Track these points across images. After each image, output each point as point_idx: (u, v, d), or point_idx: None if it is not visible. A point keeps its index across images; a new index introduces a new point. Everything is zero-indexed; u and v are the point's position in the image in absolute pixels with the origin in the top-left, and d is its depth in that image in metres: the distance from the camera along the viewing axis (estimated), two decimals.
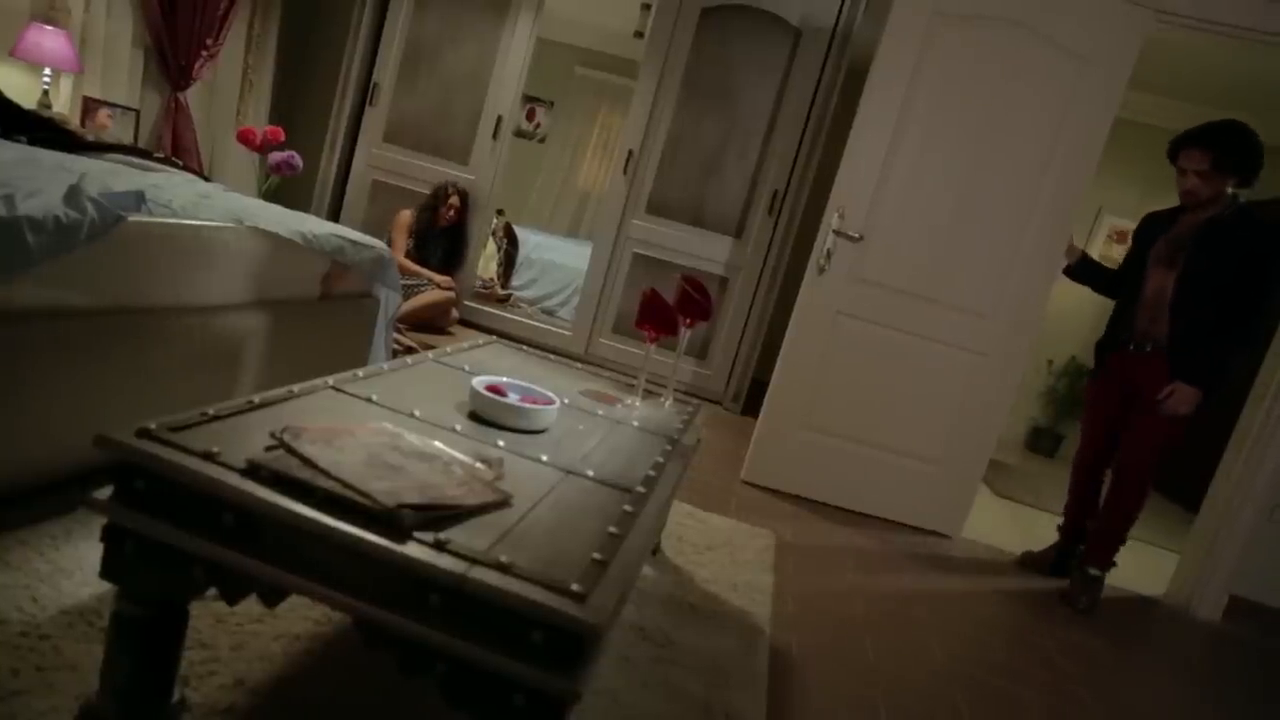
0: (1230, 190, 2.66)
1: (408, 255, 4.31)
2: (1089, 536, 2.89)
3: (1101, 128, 2.93)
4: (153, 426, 0.96)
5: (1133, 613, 2.95)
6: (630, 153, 4.32)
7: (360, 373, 1.46)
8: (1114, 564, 2.85)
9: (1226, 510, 2.98)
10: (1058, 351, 5.67)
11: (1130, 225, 5.57)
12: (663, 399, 2.00)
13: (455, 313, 4.45)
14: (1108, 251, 5.66)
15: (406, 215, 4.40)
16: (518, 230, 5.82)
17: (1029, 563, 3.08)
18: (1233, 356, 2.62)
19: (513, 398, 1.45)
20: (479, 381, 1.45)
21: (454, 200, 4.38)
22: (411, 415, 1.31)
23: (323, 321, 2.34)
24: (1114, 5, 2.86)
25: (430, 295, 4.16)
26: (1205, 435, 2.95)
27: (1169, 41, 3.35)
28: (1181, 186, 2.69)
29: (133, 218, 1.64)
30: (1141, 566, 3.42)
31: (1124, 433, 2.82)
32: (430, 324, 4.22)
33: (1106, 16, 2.87)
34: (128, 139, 3.72)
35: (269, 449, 1.00)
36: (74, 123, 3.30)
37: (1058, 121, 2.93)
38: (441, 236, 4.41)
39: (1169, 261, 2.72)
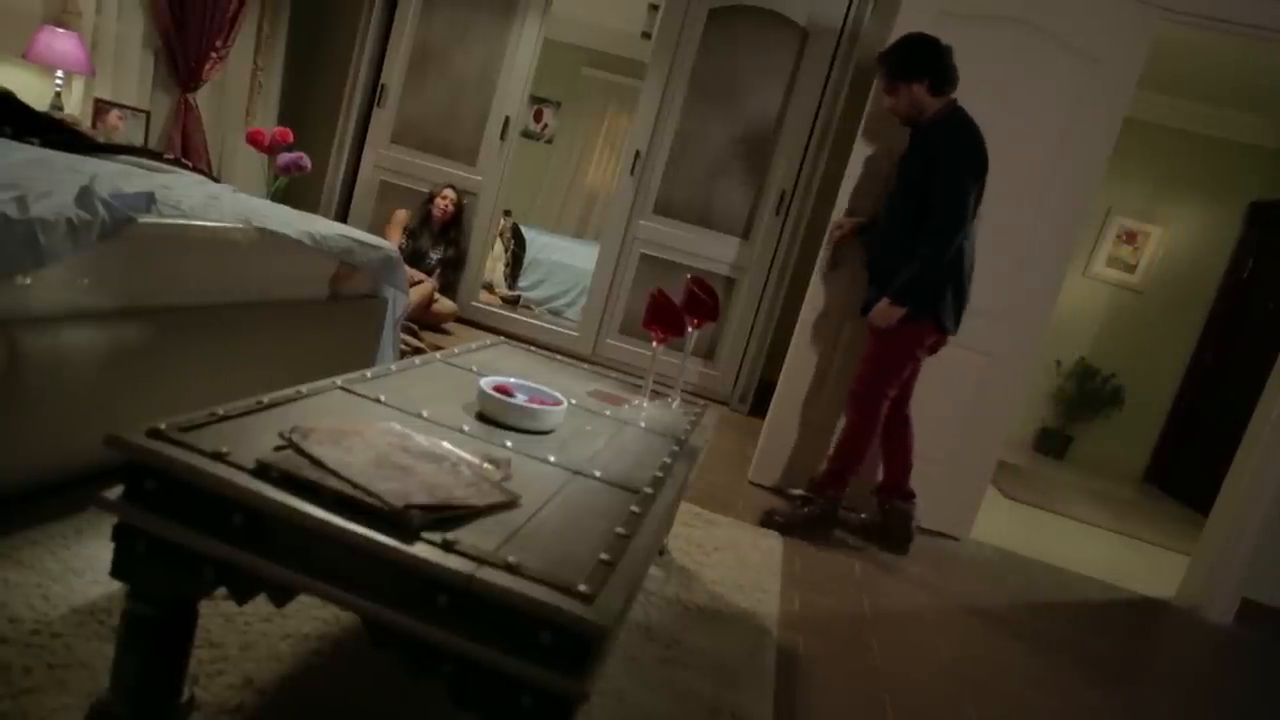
0: (950, 99, 2.61)
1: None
2: None
3: (1111, 127, 2.92)
4: (163, 426, 0.97)
5: (1143, 615, 2.93)
6: (637, 153, 4.32)
7: (369, 373, 1.47)
8: (832, 499, 2.77)
9: (1239, 512, 2.95)
10: (1066, 352, 5.64)
11: (1140, 225, 5.59)
12: (670, 400, 2.00)
13: (450, 304, 4.41)
14: (1116, 252, 5.63)
15: (402, 214, 4.45)
16: (525, 231, 5.83)
17: (780, 522, 2.69)
18: (924, 263, 2.53)
19: (520, 398, 1.46)
20: (487, 382, 1.45)
21: (448, 193, 4.40)
22: (419, 416, 1.31)
23: (331, 322, 2.35)
24: (1121, 4, 2.85)
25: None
26: (1214, 434, 2.93)
27: (1178, 40, 3.33)
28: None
29: (143, 219, 1.65)
30: (1151, 568, 3.40)
31: None
32: (422, 321, 4.20)
33: (1114, 15, 2.85)
34: (138, 141, 3.74)
35: (278, 449, 1.01)
36: (85, 125, 3.32)
37: (1066, 121, 2.92)
38: (440, 235, 4.42)
39: None
